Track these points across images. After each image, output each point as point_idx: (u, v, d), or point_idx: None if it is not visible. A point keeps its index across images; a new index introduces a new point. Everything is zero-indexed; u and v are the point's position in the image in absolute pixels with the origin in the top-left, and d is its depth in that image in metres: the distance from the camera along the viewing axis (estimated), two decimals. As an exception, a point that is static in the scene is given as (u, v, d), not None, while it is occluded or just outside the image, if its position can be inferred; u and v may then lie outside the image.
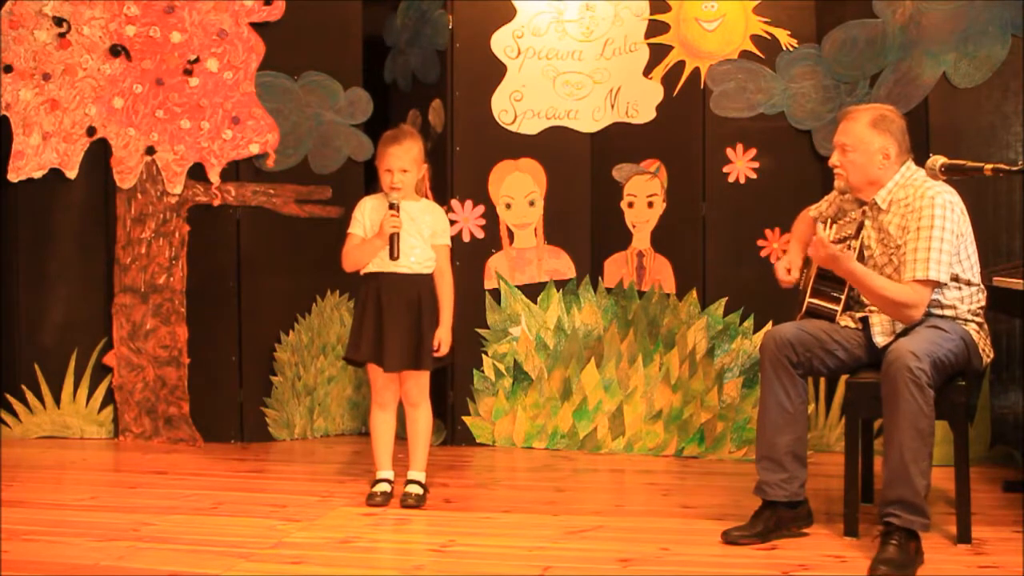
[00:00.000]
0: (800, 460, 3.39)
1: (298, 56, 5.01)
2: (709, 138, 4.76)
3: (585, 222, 5.01)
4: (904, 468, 3.07)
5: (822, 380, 4.67)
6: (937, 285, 3.27)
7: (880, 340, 3.37)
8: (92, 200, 5.07)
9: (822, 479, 4.08)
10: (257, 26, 4.92)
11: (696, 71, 4.77)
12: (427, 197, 4.11)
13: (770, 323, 4.45)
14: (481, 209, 4.95)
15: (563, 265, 5.01)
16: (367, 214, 3.90)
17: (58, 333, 5.09)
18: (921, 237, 3.26)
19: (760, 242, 4.75)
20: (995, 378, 4.37)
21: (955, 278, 3.32)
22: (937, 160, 3.30)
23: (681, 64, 4.80)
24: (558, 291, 4.98)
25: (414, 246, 3.85)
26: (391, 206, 3.79)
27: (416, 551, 3.40)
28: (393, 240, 3.78)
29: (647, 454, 4.76)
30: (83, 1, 4.94)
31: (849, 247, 3.34)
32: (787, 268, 3.64)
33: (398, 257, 3.79)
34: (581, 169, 4.99)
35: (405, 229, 3.82)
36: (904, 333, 3.30)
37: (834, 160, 3.46)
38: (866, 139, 3.37)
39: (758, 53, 4.73)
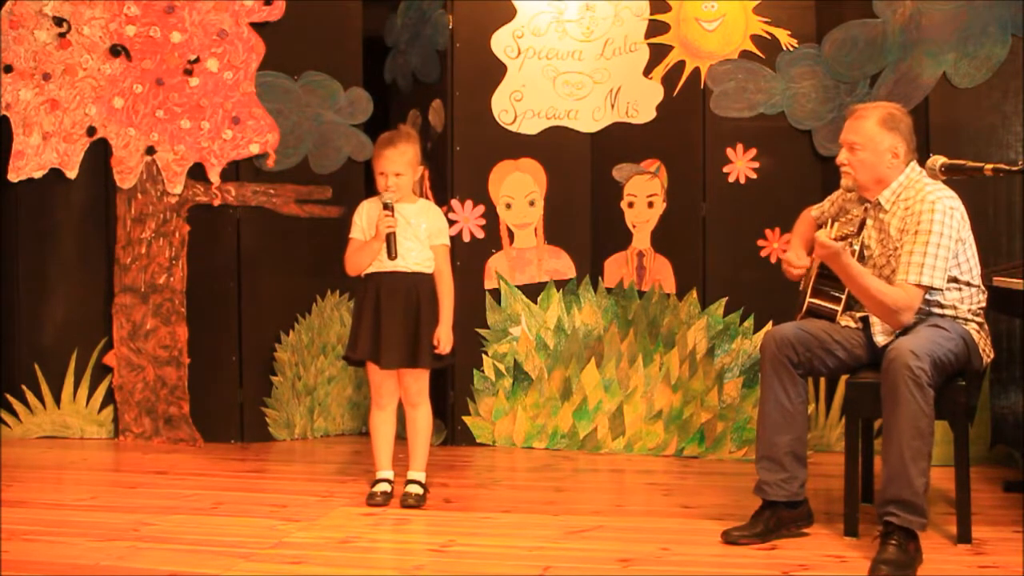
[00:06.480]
0: (800, 460, 3.39)
1: (298, 56, 5.01)
2: (709, 138, 4.76)
3: (585, 222, 5.01)
4: (903, 467, 3.07)
5: (822, 380, 4.66)
6: (929, 290, 3.27)
7: (880, 340, 3.37)
8: (92, 200, 5.08)
9: (822, 479, 4.08)
10: (257, 26, 4.92)
11: (696, 71, 4.77)
12: (426, 197, 4.11)
13: (770, 323, 4.45)
14: (481, 209, 4.95)
15: (563, 265, 5.01)
16: (364, 217, 3.91)
17: (58, 333, 5.09)
18: (919, 241, 3.25)
19: (760, 242, 4.75)
20: (995, 378, 4.37)
21: (954, 280, 3.31)
22: (937, 160, 3.29)
23: (681, 64, 4.80)
24: (558, 291, 4.98)
25: (411, 248, 3.85)
26: (385, 206, 3.79)
27: (416, 551, 3.39)
28: (389, 240, 3.77)
29: (647, 454, 4.76)
30: (83, 1, 4.94)
31: (850, 245, 3.34)
32: (796, 255, 3.62)
33: (396, 257, 3.78)
34: (581, 169, 4.99)
35: (402, 231, 3.81)
36: (904, 332, 3.30)
37: (842, 158, 3.43)
38: (876, 138, 3.35)
39: (758, 53, 4.72)
